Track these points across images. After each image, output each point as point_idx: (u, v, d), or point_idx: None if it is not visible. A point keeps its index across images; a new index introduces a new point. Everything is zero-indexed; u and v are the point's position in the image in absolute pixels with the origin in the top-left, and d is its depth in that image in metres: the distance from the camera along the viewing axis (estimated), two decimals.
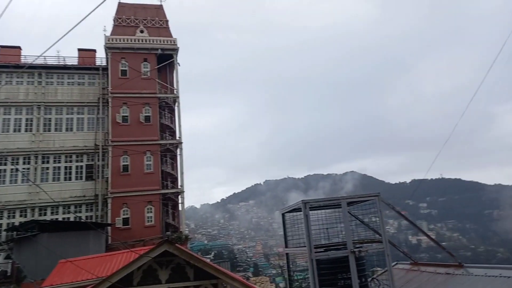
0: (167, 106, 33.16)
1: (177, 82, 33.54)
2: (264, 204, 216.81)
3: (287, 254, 9.69)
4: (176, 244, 12.66)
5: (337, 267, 7.84)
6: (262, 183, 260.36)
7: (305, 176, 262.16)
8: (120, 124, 30.02)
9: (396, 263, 10.23)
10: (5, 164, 27.12)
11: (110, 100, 30.34)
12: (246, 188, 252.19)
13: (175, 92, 33.35)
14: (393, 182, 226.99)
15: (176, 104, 32.95)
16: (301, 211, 9.52)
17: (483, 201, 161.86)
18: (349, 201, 8.48)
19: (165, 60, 33.64)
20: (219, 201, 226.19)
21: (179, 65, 34.20)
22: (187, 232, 30.50)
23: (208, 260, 13.10)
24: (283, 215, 10.01)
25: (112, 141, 29.22)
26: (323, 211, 9.72)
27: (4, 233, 25.85)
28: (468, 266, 7.78)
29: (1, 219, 26.41)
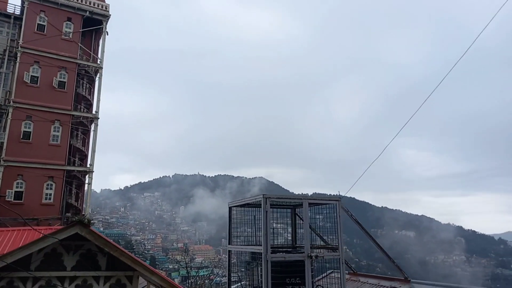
0: (87, 76, 29.76)
1: (103, 52, 30.37)
2: (169, 197, 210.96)
3: (229, 251, 8.81)
4: (91, 228, 10.94)
5: (288, 270, 7.25)
6: (171, 176, 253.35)
7: (215, 176, 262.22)
8: (27, 84, 26.00)
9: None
10: None
11: (19, 54, 26.12)
12: (153, 179, 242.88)
13: (98, 62, 30.12)
14: (297, 193, 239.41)
15: (98, 75, 29.80)
16: (249, 207, 8.79)
17: (370, 220, 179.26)
18: (311, 202, 7.98)
19: (92, 26, 30.29)
20: (122, 188, 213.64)
21: (107, 34, 31.08)
22: (96, 216, 27.52)
23: (125, 250, 11.55)
24: (230, 208, 9.14)
25: (14, 102, 25.11)
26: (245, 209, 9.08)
27: None
28: (416, 282, 7.79)
29: None
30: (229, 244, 8.96)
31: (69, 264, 10.92)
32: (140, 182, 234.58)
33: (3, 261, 9.29)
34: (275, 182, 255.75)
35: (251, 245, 8.58)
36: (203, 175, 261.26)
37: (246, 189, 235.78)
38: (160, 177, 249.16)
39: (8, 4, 29.01)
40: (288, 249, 9.16)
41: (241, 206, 8.74)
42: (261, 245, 7.94)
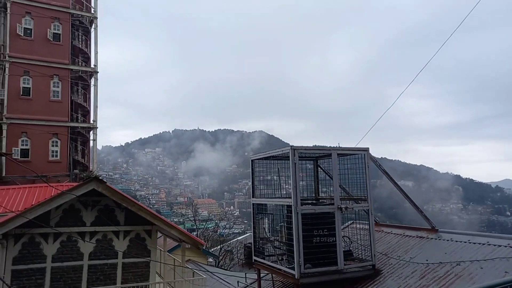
0: (82, 27, 28.31)
1: (96, 0, 28.64)
2: (170, 152, 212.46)
3: (253, 204, 8.54)
4: (107, 183, 10.67)
5: (314, 223, 7.00)
6: (171, 131, 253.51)
7: (215, 130, 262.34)
8: (21, 38, 24.73)
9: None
10: None
11: (9, 4, 24.57)
12: (154, 135, 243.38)
13: (92, 12, 28.51)
14: (296, 145, 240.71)
15: (93, 26, 28.32)
16: (274, 159, 8.39)
17: (370, 171, 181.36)
18: (339, 152, 7.57)
19: None
20: (123, 144, 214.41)
21: None
22: (100, 173, 27.40)
23: (143, 205, 11.38)
24: (252, 161, 8.75)
25: (9, 56, 24.00)
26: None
27: None
28: (444, 231, 7.57)
29: None
30: (252, 197, 8.67)
31: (88, 220, 10.79)
32: (140, 138, 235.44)
33: (24, 217, 9.10)
34: (275, 136, 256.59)
35: (276, 197, 8.31)
36: (203, 129, 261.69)
37: (246, 142, 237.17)
38: (160, 132, 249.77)
39: None
40: (313, 202, 8.92)
41: (264, 158, 8.35)
42: (286, 198, 7.66)
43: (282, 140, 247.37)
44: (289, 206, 7.08)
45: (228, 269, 27.86)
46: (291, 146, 7.12)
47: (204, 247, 19.26)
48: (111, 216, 10.95)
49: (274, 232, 8.84)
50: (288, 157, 7.16)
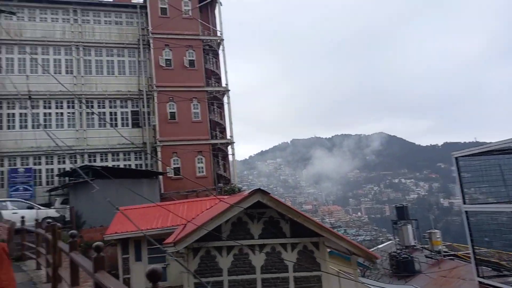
0: (211, 50, 30.30)
1: (221, 23, 30.40)
2: (290, 162, 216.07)
3: (466, 212, 7.05)
4: (271, 195, 10.39)
5: None
6: (289, 141, 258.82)
7: (331, 137, 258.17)
8: (163, 68, 27.56)
9: None
10: (50, 108, 25.43)
11: (151, 41, 27.68)
12: (273, 146, 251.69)
13: (219, 34, 30.29)
14: (424, 145, 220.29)
15: (221, 48, 30.02)
16: (483, 155, 6.85)
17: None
18: None
19: None
20: (247, 158, 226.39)
21: (221, 5, 30.86)
22: (239, 185, 28.69)
23: (309, 216, 10.80)
24: (456, 159, 7.29)
25: (156, 86, 26.91)
26: None
27: (56, 178, 24.69)
28: None
29: (52, 164, 25.17)
30: (464, 203, 7.17)
31: (255, 232, 10.64)
32: (261, 151, 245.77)
33: (205, 229, 9.34)
34: (398, 136, 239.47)
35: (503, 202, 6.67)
36: (319, 137, 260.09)
37: (364, 145, 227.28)
38: (278, 143, 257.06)
39: None
40: None
41: (475, 155, 6.84)
42: None
43: (406, 139, 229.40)
44: None
45: (377, 280, 25.91)
46: None
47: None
48: (277, 228, 10.64)
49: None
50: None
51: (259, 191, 10.20)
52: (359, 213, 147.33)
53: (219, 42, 30.11)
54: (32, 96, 24.95)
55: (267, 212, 10.69)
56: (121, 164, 26.22)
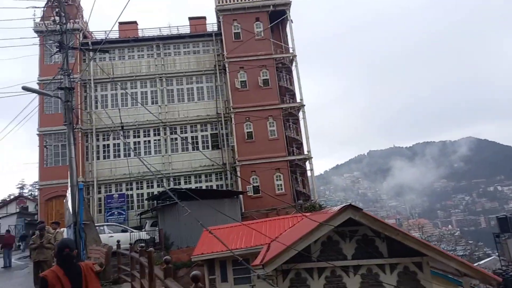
0: (284, 67, 30.59)
1: (292, 40, 30.58)
2: (367, 174, 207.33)
3: None
4: (364, 211, 9.81)
5: None
6: (365, 153, 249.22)
7: (412, 145, 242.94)
8: (239, 90, 28.39)
9: None
10: (138, 137, 27.66)
11: (227, 65, 28.79)
12: (349, 159, 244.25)
13: (291, 51, 30.49)
14: None
15: (294, 64, 30.12)
16: None
17: None
18: None
19: (276, 18, 30.82)
20: (322, 173, 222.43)
21: (292, 22, 31.11)
22: (320, 201, 28.05)
23: (408, 233, 10.00)
24: None
25: (233, 108, 27.76)
26: None
27: (146, 202, 26.58)
28: None
29: (142, 188, 27.23)
30: None
31: (348, 253, 10.06)
32: (337, 165, 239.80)
33: (294, 249, 9.09)
34: (489, 139, 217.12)
35: None
36: (399, 146, 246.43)
37: (450, 151, 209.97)
38: (355, 156, 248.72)
39: (206, 25, 32.59)
40: None
41: None
42: None
43: (500, 143, 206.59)
44: None
45: None
46: None
47: None
48: (372, 247, 9.96)
49: None
50: None
51: (350, 207, 9.69)
52: (449, 226, 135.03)
53: (292, 59, 30.29)
54: (124, 127, 27.38)
55: (359, 230, 10.10)
56: (203, 185, 27.30)
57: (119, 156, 27.64)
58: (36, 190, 36.28)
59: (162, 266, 6.25)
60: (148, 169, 12.35)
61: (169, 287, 5.11)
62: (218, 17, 30.55)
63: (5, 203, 45.53)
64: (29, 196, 48.75)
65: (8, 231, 23.66)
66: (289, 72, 30.76)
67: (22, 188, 57.10)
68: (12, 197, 49.27)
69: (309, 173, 27.98)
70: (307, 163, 27.82)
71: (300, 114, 28.95)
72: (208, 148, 27.79)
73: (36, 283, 11.96)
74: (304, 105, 28.52)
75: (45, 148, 27.07)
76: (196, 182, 27.19)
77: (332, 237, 10.21)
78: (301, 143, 28.71)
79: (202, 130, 28.54)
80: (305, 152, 27.94)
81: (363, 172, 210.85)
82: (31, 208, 41.91)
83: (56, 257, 3.85)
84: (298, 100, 29.34)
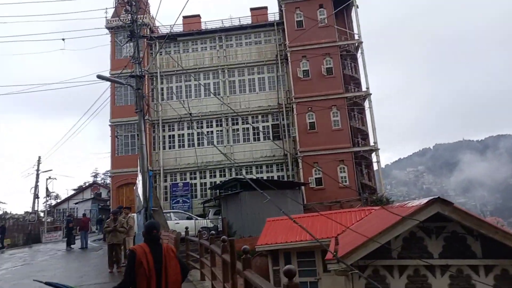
0: (349, 55, 29.19)
1: (358, 26, 28.96)
2: (432, 169, 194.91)
3: None
4: (455, 205, 8.75)
5: None
6: (431, 147, 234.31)
7: (484, 139, 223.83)
8: (301, 79, 27.59)
9: None
10: (201, 127, 28.12)
11: (289, 54, 28.10)
12: (413, 153, 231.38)
13: (356, 37, 28.98)
14: None
15: (360, 51, 28.60)
16: None
17: None
18: None
19: (341, 4, 29.37)
20: (383, 166, 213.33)
21: (358, 7, 29.50)
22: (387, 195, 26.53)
23: (508, 229, 8.76)
24: None
25: (295, 98, 27.06)
26: None
27: (209, 191, 27.06)
28: None
29: (205, 178, 27.77)
30: None
31: (435, 251, 9.05)
32: (399, 158, 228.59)
33: (377, 241, 8.34)
34: None
35: None
36: (468, 139, 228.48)
37: None
38: (419, 150, 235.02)
39: (268, 14, 32.08)
40: None
41: None
42: None
43: None
44: None
45: None
46: None
47: None
48: (463, 246, 8.87)
49: None
50: None
51: (438, 200, 8.68)
52: None
53: (357, 46, 28.83)
54: (188, 119, 27.99)
55: (447, 226, 9.05)
56: (264, 176, 27.06)
57: (183, 146, 28.36)
58: (108, 178, 38.69)
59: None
60: (226, 157, 12.17)
61: (251, 280, 4.49)
62: (280, 6, 29.90)
63: (81, 189, 49.42)
64: (102, 184, 52.42)
65: (84, 214, 25.42)
66: (354, 59, 29.32)
67: (95, 176, 61.64)
68: (87, 184, 53.32)
69: (375, 166, 26.56)
70: (373, 154, 26.37)
71: (366, 103, 27.51)
72: (269, 139, 27.42)
73: (110, 264, 12.45)
74: (371, 94, 27.04)
75: (116, 138, 28.53)
76: (257, 173, 27.02)
77: (415, 233, 9.26)
78: (367, 134, 27.28)
79: (263, 121, 28.25)
80: (371, 143, 26.50)
81: (427, 166, 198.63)
82: (104, 195, 45.00)
83: (144, 236, 4.25)
84: (364, 88, 27.86)
